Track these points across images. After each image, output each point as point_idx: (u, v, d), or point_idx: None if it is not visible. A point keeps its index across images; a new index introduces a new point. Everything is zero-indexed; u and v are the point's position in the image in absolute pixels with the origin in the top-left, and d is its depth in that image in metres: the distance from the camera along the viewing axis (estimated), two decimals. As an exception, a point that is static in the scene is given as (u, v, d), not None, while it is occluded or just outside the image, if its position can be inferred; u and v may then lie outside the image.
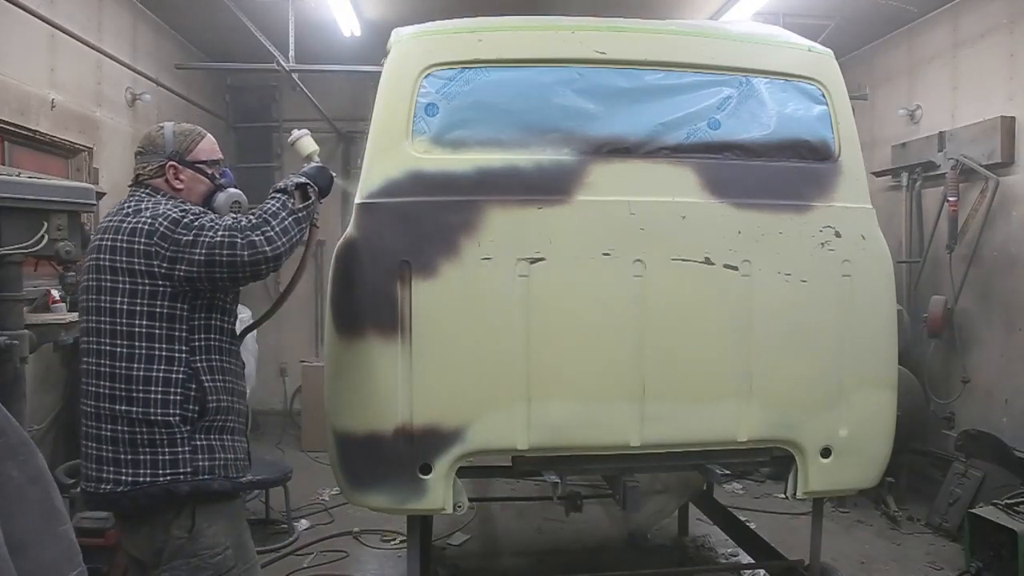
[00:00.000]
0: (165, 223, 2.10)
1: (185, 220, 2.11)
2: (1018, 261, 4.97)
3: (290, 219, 2.22)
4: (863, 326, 2.86)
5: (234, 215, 2.23)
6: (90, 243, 2.26)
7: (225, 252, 2.08)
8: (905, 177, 5.97)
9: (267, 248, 2.12)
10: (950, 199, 5.36)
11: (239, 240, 2.09)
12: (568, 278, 2.65)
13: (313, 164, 2.51)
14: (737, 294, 2.75)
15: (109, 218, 2.23)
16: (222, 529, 2.15)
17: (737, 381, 2.75)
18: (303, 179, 2.37)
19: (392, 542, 4.58)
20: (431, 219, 2.61)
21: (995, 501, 4.07)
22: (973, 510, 4.06)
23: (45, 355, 4.43)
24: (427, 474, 2.59)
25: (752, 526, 4.39)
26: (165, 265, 2.08)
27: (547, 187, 2.68)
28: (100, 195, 4.07)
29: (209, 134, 2.42)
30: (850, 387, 2.84)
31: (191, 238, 2.08)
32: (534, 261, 2.62)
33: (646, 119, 2.79)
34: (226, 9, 5.79)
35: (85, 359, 2.17)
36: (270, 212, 2.20)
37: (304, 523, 4.90)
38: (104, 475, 2.09)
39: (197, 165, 2.33)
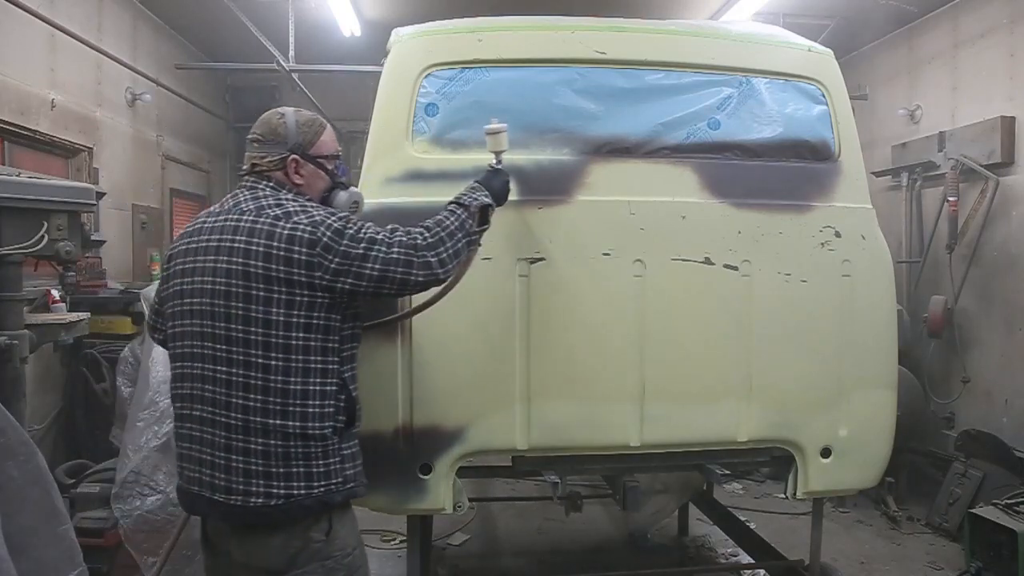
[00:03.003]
0: (328, 233, 1.97)
1: (350, 231, 2.00)
2: (1018, 261, 4.97)
3: (464, 241, 2.15)
4: (863, 326, 2.85)
5: (393, 226, 2.11)
6: (195, 239, 2.09)
7: (400, 270, 2.01)
8: (905, 177, 5.98)
9: (439, 271, 2.07)
10: (950, 199, 5.36)
11: (415, 259, 2.03)
12: (568, 278, 2.64)
13: (494, 168, 2.42)
14: (737, 294, 2.74)
15: (229, 215, 2.06)
16: (350, 530, 2.10)
17: (737, 381, 2.75)
18: (488, 200, 2.27)
19: (392, 542, 4.57)
20: (431, 219, 2.61)
21: (995, 501, 4.07)
22: (973, 510, 4.06)
23: (45, 355, 4.44)
24: (427, 474, 2.59)
25: (752, 526, 4.39)
26: (328, 277, 1.97)
27: (547, 187, 2.68)
28: (100, 195, 4.07)
29: (329, 125, 2.27)
30: (850, 387, 2.84)
31: (361, 252, 1.98)
32: (534, 261, 2.62)
33: (646, 119, 2.79)
34: (226, 9, 5.79)
35: (201, 364, 2.02)
36: (447, 230, 2.11)
37: (304, 523, 4.89)
38: (253, 488, 1.95)
39: (319, 160, 2.19)
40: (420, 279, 2.06)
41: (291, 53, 6.06)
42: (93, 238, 3.90)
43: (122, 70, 5.68)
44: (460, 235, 2.15)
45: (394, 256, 2.01)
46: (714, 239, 2.73)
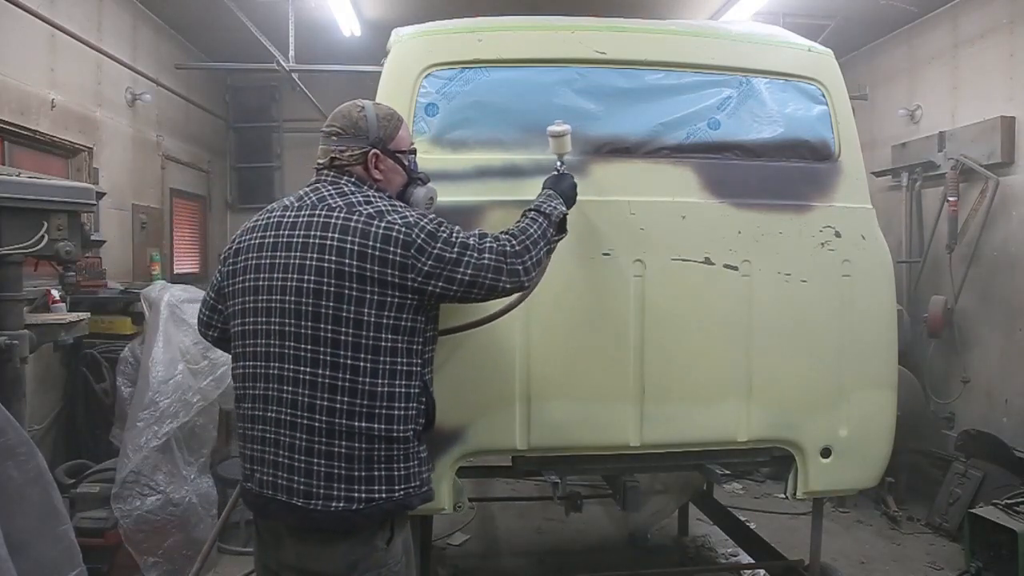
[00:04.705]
0: (422, 236, 1.94)
1: (443, 234, 1.97)
2: (1018, 261, 4.97)
3: (545, 250, 2.17)
4: (863, 326, 2.85)
5: (482, 231, 2.10)
6: (270, 234, 2.01)
7: (490, 276, 2.01)
8: (905, 177, 5.98)
9: (524, 279, 2.08)
10: (950, 199, 5.37)
11: (505, 267, 2.03)
12: (568, 278, 2.64)
13: (560, 173, 2.44)
14: (737, 294, 2.75)
15: (315, 210, 1.99)
16: (404, 538, 2.07)
17: (737, 381, 2.75)
18: (566, 210, 2.30)
19: (392, 542, 4.57)
20: (431, 219, 2.61)
21: (995, 501, 4.07)
22: (973, 510, 4.06)
23: (45, 355, 4.44)
24: (427, 474, 2.59)
25: (752, 526, 4.39)
26: (419, 279, 1.94)
27: (547, 187, 2.67)
28: (100, 195, 4.07)
29: (404, 118, 2.23)
30: (850, 387, 2.84)
31: (454, 256, 1.96)
32: (534, 261, 2.61)
33: (646, 119, 2.79)
34: (226, 9, 5.79)
35: (279, 364, 1.95)
36: (532, 239, 2.12)
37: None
38: (335, 493, 1.90)
39: (397, 155, 2.15)
40: (508, 286, 2.06)
41: (291, 53, 6.06)
42: (93, 238, 3.89)
43: (122, 70, 5.68)
44: (542, 243, 2.15)
45: (485, 262, 2.00)
46: (714, 239, 2.73)
